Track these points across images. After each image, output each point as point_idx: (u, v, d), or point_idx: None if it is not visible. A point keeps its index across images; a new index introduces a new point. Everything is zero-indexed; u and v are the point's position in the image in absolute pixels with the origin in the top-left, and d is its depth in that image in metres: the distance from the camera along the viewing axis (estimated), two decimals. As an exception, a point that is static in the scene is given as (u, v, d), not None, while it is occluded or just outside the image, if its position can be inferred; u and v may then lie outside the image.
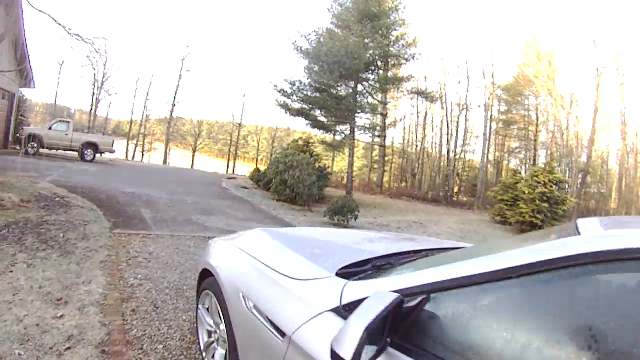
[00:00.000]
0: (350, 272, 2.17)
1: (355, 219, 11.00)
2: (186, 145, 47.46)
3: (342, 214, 10.78)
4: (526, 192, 17.29)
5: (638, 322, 1.22)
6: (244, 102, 55.69)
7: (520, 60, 35.17)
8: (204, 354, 2.96)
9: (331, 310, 1.80)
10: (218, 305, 2.69)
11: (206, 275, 3.03)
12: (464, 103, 35.63)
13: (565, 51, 42.20)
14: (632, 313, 1.24)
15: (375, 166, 36.71)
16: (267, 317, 2.08)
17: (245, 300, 2.31)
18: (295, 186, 13.63)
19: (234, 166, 43.22)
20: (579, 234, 1.55)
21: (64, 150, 19.22)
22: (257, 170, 21.01)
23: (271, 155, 41.49)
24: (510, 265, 1.44)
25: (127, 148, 41.26)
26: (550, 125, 35.50)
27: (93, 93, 38.56)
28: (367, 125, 23.93)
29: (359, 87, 20.26)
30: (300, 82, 19.43)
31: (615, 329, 1.23)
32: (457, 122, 35.72)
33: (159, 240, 6.37)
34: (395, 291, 1.55)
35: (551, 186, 17.34)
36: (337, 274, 2.10)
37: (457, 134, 35.59)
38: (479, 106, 35.49)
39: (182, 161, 42.89)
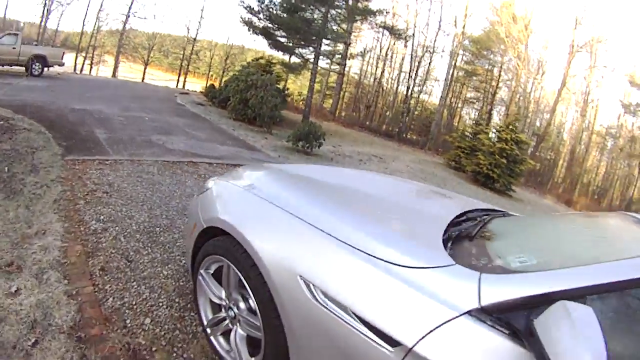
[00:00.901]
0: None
1: (319, 146, 10.74)
2: (136, 59, 45.47)
3: (308, 140, 10.43)
4: (487, 144, 17.93)
5: None
6: (201, 17, 53.47)
7: (494, 18, 35.92)
8: (209, 330, 2.49)
9: (466, 313, 1.42)
10: (244, 280, 2.13)
11: (209, 233, 2.48)
12: (430, 46, 35.95)
13: (542, 20, 43.69)
14: None
15: (329, 93, 36.83)
16: (361, 318, 1.59)
17: (311, 289, 1.77)
18: (257, 107, 13.11)
19: (184, 82, 41.72)
20: None
21: (11, 65, 17.82)
22: (212, 86, 20.60)
23: (223, 72, 41.18)
24: None
25: (75, 61, 38.85)
26: (514, 86, 36.88)
27: (45, 3, 35.37)
28: (331, 52, 23.57)
29: (331, 13, 19.67)
30: (271, 1, 18.86)
31: None
32: (419, 63, 36.06)
33: (117, 167, 5.67)
34: (552, 293, 1.37)
35: (512, 145, 17.82)
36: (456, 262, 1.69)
37: (416, 74, 36.08)
38: (442, 51, 36.21)
39: (131, 74, 41.10)
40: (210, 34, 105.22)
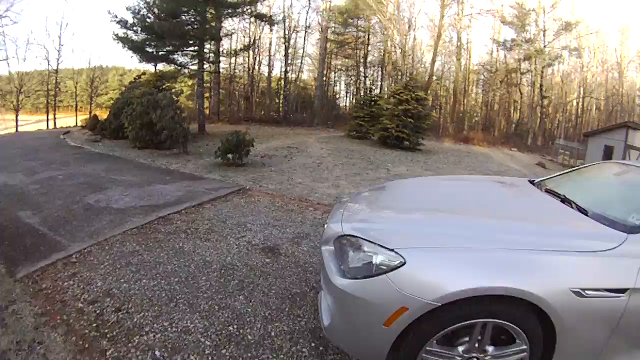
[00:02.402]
0: None
1: (247, 154, 10.38)
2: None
3: (238, 151, 10.06)
4: (390, 108, 18.82)
5: None
6: (60, 44, 49.92)
7: None
8: None
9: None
10: (512, 324, 2.42)
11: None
12: (301, 25, 37.21)
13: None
14: None
15: (207, 95, 36.75)
16: (599, 289, 2.36)
17: (577, 293, 2.35)
18: (169, 128, 12.18)
19: (54, 120, 38.84)
20: None
21: None
22: (95, 118, 19.73)
23: (91, 99, 39.50)
24: None
25: None
26: (390, 45, 38.74)
27: None
28: (212, 52, 23.34)
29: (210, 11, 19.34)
30: (148, 10, 18.25)
31: None
32: (287, 43, 36.97)
33: (90, 261, 4.26)
34: None
35: (414, 103, 18.88)
36: None
37: (287, 55, 36.92)
38: (308, 27, 37.48)
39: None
40: (71, 61, 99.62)
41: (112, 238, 4.81)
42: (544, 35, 48.48)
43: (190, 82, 30.02)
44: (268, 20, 26.67)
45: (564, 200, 3.46)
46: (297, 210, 6.25)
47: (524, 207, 3.58)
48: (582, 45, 52.75)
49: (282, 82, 37.19)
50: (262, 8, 29.68)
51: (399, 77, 38.16)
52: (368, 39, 41.06)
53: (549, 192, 3.88)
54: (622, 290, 2.38)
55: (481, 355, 2.44)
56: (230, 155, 10.05)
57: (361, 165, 12.36)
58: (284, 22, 34.94)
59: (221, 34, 23.35)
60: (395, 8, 37.12)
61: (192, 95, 37.79)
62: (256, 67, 39.60)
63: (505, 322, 2.36)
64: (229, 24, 32.96)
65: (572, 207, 3.25)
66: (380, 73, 45.42)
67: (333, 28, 38.45)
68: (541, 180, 4.58)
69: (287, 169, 9.80)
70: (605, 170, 4.81)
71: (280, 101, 37.26)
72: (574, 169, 5.26)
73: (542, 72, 49.14)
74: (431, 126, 21.41)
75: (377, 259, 2.44)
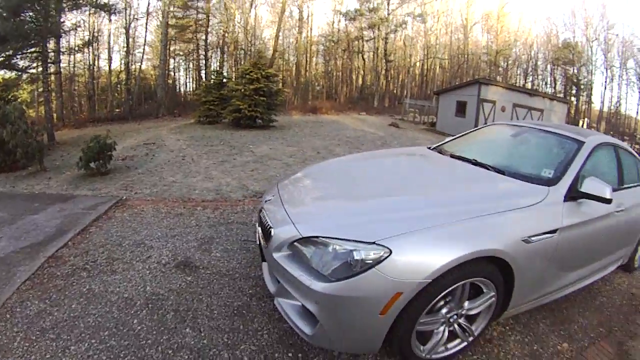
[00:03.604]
0: None
1: (110, 160, 9.47)
2: None
3: (101, 158, 9.19)
4: (241, 89, 18.89)
5: None
6: None
7: None
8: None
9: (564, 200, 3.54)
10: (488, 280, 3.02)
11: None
12: (143, 12, 36.98)
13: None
14: None
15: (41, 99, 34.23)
16: (542, 232, 3.19)
17: (525, 240, 3.06)
18: (21, 145, 10.19)
19: None
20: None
21: None
22: None
23: None
24: None
25: None
26: (232, 26, 38.60)
27: None
28: (53, 52, 21.59)
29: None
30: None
31: None
32: (128, 33, 36.32)
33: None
34: None
35: (265, 81, 19.21)
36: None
37: (128, 46, 36.29)
38: (149, 13, 36.58)
39: None
40: None
41: (8, 302, 3.76)
42: (388, 4, 51.21)
43: (29, 88, 27.85)
44: (109, 9, 25.19)
45: (476, 163, 4.20)
46: (187, 214, 6.14)
47: (453, 176, 4.10)
48: (427, 11, 56.66)
49: (124, 75, 35.85)
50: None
51: (243, 56, 38.31)
52: (208, 20, 40.51)
53: (454, 157, 4.55)
54: (554, 231, 3.30)
55: (460, 311, 3.04)
56: (93, 164, 9.21)
57: (224, 151, 12.43)
58: (125, 10, 33.68)
59: (63, 30, 21.85)
60: None
61: (32, 102, 35.13)
62: (95, 62, 37.60)
63: (479, 279, 2.94)
64: (69, 18, 31.08)
65: (488, 170, 4.00)
66: (220, 55, 45.17)
67: (173, 12, 37.47)
68: (439, 146, 5.29)
69: (154, 169, 9.50)
70: (498, 132, 5.62)
71: (123, 96, 35.64)
72: (464, 133, 5.86)
73: (387, 38, 51.86)
74: (282, 102, 21.86)
75: (359, 255, 2.56)
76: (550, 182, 3.64)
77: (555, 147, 4.48)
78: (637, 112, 61.19)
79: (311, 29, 53.17)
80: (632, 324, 4.61)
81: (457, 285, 2.80)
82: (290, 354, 3.10)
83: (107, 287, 3.86)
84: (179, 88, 48.79)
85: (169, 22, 36.13)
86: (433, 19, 60.54)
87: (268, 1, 45.46)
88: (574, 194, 3.60)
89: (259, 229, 3.57)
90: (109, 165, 9.40)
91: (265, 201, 3.69)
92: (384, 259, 2.52)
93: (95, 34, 34.62)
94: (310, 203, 3.60)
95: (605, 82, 62.67)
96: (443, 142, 5.60)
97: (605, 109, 63.45)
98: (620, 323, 4.57)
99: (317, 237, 2.77)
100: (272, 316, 3.52)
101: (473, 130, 6.01)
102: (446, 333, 3.02)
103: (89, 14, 32.02)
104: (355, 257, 2.55)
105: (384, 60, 53.91)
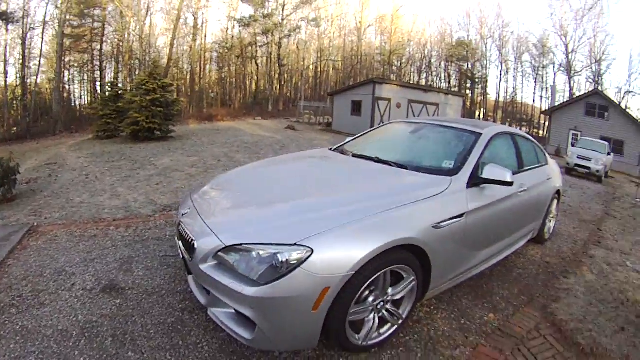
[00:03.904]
0: None
1: (15, 184, 8.86)
2: None
3: (7, 183, 8.60)
4: (138, 101, 18.63)
5: None
6: None
7: None
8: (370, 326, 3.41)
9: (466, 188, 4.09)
10: (407, 267, 3.40)
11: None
12: (40, 21, 35.07)
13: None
14: None
15: None
16: (449, 218, 3.70)
17: (436, 226, 3.54)
18: None
19: None
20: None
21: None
22: None
23: None
24: None
25: None
26: (127, 35, 37.79)
27: None
28: None
29: None
30: None
31: None
32: (24, 44, 34.49)
33: None
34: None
35: (161, 91, 19.22)
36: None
37: (25, 58, 34.53)
38: (46, 22, 34.74)
39: None
40: None
41: None
42: (282, 10, 52.08)
43: None
44: (7, 18, 23.88)
45: (378, 161, 4.65)
46: (101, 235, 6.10)
47: (359, 175, 4.45)
48: (321, 16, 58.11)
49: (20, 90, 34.43)
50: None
51: (138, 65, 37.61)
52: (103, 29, 39.45)
53: (356, 156, 4.96)
54: (461, 215, 3.82)
55: (385, 298, 3.40)
56: None
57: (127, 166, 12.28)
58: (23, 19, 31.99)
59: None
60: None
61: None
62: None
63: (398, 266, 3.30)
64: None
65: (391, 166, 4.45)
66: (115, 65, 44.08)
67: (69, 21, 36.46)
68: (340, 147, 5.71)
69: (59, 191, 9.25)
70: (397, 130, 6.16)
71: (20, 113, 34.09)
72: (363, 132, 6.30)
73: (280, 43, 52.56)
74: (179, 111, 21.89)
75: (283, 257, 2.77)
76: (451, 172, 4.13)
77: (454, 141, 4.98)
78: (534, 100, 68.61)
79: (205, 36, 53.27)
80: (552, 288, 5.23)
81: (378, 274, 3.11)
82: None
83: (39, 322, 3.76)
84: (75, 102, 47.26)
85: (65, 32, 34.89)
86: (327, 23, 62.11)
87: (163, 8, 44.97)
88: (476, 181, 4.14)
89: (180, 242, 3.72)
90: (14, 191, 8.95)
91: (182, 215, 3.79)
92: (307, 258, 2.75)
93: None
94: (227, 212, 3.73)
95: (501, 75, 69.27)
96: (343, 142, 5.96)
97: (502, 99, 69.76)
98: (541, 289, 5.18)
99: (240, 244, 2.94)
100: (208, 327, 3.67)
101: (371, 130, 6.42)
102: (376, 320, 3.37)
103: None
104: (280, 260, 2.76)
105: (278, 65, 54.67)
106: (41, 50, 37.04)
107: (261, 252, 2.85)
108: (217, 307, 3.11)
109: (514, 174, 4.26)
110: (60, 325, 3.71)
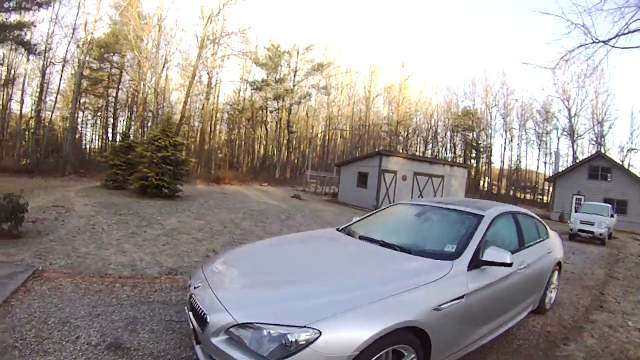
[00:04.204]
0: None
1: (22, 221, 8.85)
2: None
3: (14, 219, 8.57)
4: (148, 156, 18.74)
5: None
6: None
7: (117, 17, 36.12)
8: None
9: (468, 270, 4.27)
10: (409, 346, 3.51)
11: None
12: (61, 58, 35.06)
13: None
14: None
15: None
16: (452, 299, 3.87)
17: (437, 309, 3.69)
18: None
19: None
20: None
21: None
22: None
23: None
24: None
25: None
26: (142, 86, 38.57)
27: None
28: None
29: None
30: None
31: None
32: (44, 77, 34.65)
33: None
34: None
35: (172, 149, 19.28)
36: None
37: (42, 91, 34.63)
38: (66, 60, 35.18)
39: None
40: None
41: None
42: (294, 75, 53.29)
43: None
44: (30, 48, 24.34)
45: (384, 244, 4.84)
46: (106, 290, 6.05)
47: (366, 259, 4.61)
48: (331, 84, 59.41)
49: (34, 122, 34.20)
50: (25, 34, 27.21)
51: (151, 117, 38.13)
52: (120, 76, 40.33)
53: (363, 238, 5.16)
54: (461, 297, 3.97)
55: None
56: (5, 225, 8.59)
57: (134, 222, 12.25)
58: (45, 52, 32.19)
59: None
60: (154, 46, 37.34)
61: None
62: (7, 104, 35.87)
63: (400, 345, 3.41)
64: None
65: (396, 250, 4.65)
66: (128, 114, 44.75)
67: (88, 63, 36.99)
68: (347, 228, 5.90)
69: (65, 237, 9.18)
70: (402, 212, 6.33)
71: (31, 145, 33.85)
72: (370, 213, 6.50)
73: (290, 109, 53.46)
74: (188, 172, 22.01)
75: (293, 337, 2.94)
76: (453, 256, 4.34)
77: (457, 223, 5.21)
78: (537, 166, 68.91)
79: (218, 96, 54.28)
80: (551, 357, 5.31)
81: (381, 353, 3.21)
82: None
83: None
84: (85, 144, 47.78)
85: (83, 73, 35.38)
86: (337, 91, 63.28)
87: (180, 64, 45.94)
88: (477, 263, 4.33)
89: (190, 313, 3.84)
90: (20, 228, 8.92)
91: (195, 287, 3.91)
92: (315, 339, 2.93)
93: (13, 74, 33.62)
94: (240, 290, 3.86)
95: (505, 143, 69.88)
96: (351, 223, 6.15)
97: (506, 167, 70.20)
98: (540, 358, 5.21)
99: (252, 323, 3.10)
100: None
101: (379, 210, 6.67)
102: None
103: (10, 49, 31.06)
104: (290, 340, 2.93)
105: (287, 131, 55.49)
106: (59, 87, 37.24)
107: (272, 332, 3.03)
108: None
109: (514, 252, 4.72)
110: (62, 378, 3.58)
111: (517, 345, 5.65)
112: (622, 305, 8.40)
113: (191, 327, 3.85)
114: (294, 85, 54.27)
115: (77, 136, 40.47)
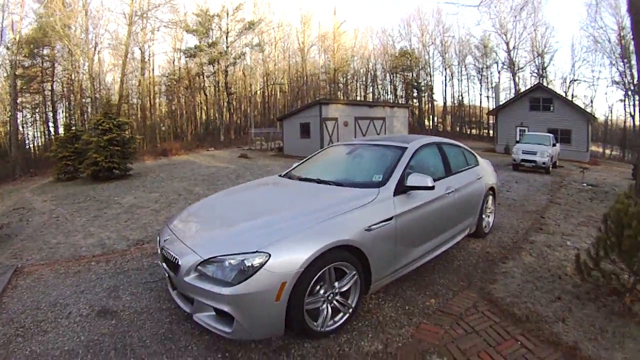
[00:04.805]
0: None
1: None
2: None
3: None
4: (95, 141, 18.90)
5: None
6: None
7: (42, 10, 35.21)
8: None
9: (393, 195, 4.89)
10: (350, 264, 4.17)
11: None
12: None
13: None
14: None
15: None
16: (381, 220, 4.49)
17: (367, 229, 4.30)
18: None
19: None
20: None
21: None
22: None
23: None
24: None
25: None
26: (76, 75, 37.64)
27: None
28: None
29: None
30: None
31: None
32: None
33: None
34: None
35: (117, 130, 19.45)
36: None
37: None
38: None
39: None
40: None
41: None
42: (227, 37, 52.61)
43: None
44: None
45: (320, 181, 5.53)
46: (84, 270, 6.56)
47: (304, 194, 5.27)
48: (265, 40, 58.77)
49: None
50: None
51: (90, 104, 37.59)
52: (53, 68, 39.27)
53: (302, 179, 5.89)
54: (390, 219, 4.60)
55: (334, 290, 4.15)
56: None
57: (93, 206, 12.67)
58: None
59: None
60: (83, 31, 36.49)
61: None
62: None
63: (340, 262, 4.06)
64: None
65: (330, 185, 5.32)
66: (67, 104, 43.85)
67: (19, 62, 36.07)
68: (288, 173, 6.59)
69: (34, 234, 9.59)
70: (335, 152, 7.07)
71: None
72: (307, 158, 7.13)
73: (227, 71, 52.94)
74: (135, 149, 22.17)
75: (249, 262, 3.57)
76: (380, 184, 4.95)
77: (383, 156, 5.82)
78: (480, 101, 69.69)
79: (153, 70, 53.26)
80: (490, 273, 5.90)
81: (324, 270, 3.88)
82: (219, 356, 3.92)
83: (46, 346, 4.21)
84: (28, 144, 46.62)
85: (17, 73, 34.69)
86: (271, 47, 62.61)
87: (111, 44, 44.90)
88: (402, 189, 4.96)
89: (164, 264, 4.41)
90: None
91: (164, 241, 4.52)
92: (266, 261, 3.56)
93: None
94: (201, 234, 4.46)
95: (446, 80, 70.68)
96: (291, 168, 6.82)
97: (449, 104, 70.88)
98: (479, 275, 5.86)
99: (215, 257, 3.73)
100: (194, 333, 4.31)
101: (315, 154, 7.28)
102: (329, 309, 4.11)
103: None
104: (246, 264, 3.57)
105: (226, 93, 55.03)
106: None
107: (232, 261, 3.65)
108: (201, 312, 3.87)
109: (440, 178, 5.55)
110: (66, 347, 4.21)
111: (457, 265, 6.32)
112: (562, 227, 8.91)
113: (166, 275, 4.53)
114: (227, 47, 53.63)
115: (19, 137, 39.50)
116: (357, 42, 74.45)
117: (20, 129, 42.58)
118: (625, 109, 57.20)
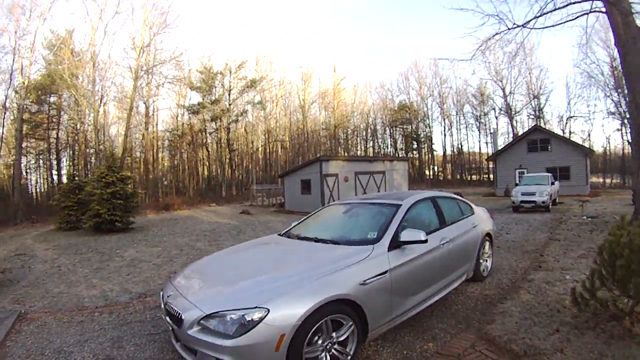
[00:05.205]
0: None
1: None
2: None
3: None
4: (98, 193, 19.02)
5: None
6: None
7: (51, 57, 36.18)
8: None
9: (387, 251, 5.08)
10: (347, 316, 4.31)
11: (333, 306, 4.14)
12: None
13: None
14: None
15: None
16: (376, 274, 4.66)
17: (364, 283, 4.48)
18: None
19: None
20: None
21: None
22: None
23: None
24: None
25: None
26: (81, 124, 38.15)
27: None
28: None
29: None
30: None
31: None
32: None
33: None
34: None
35: (120, 184, 19.68)
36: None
37: None
38: (6, 107, 34.63)
39: None
40: None
41: None
42: (229, 95, 53.53)
43: None
44: None
45: (317, 240, 5.79)
46: (87, 320, 6.62)
47: (302, 253, 5.49)
48: (266, 97, 59.71)
49: None
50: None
51: (94, 154, 37.94)
52: (59, 117, 39.81)
53: (300, 238, 6.11)
54: (384, 272, 4.79)
55: (331, 339, 4.24)
56: None
57: (95, 258, 12.71)
58: None
59: None
60: (90, 82, 37.19)
61: None
62: None
63: (336, 314, 4.21)
64: None
65: (327, 243, 5.57)
66: (71, 153, 44.26)
67: (27, 107, 36.30)
68: (287, 232, 6.80)
69: (36, 282, 9.66)
70: (332, 211, 7.28)
71: None
72: (306, 217, 7.34)
73: (229, 128, 53.63)
74: (138, 203, 22.30)
75: (249, 317, 3.75)
76: (374, 241, 5.17)
77: (378, 214, 6.12)
78: (480, 148, 70.15)
79: (156, 124, 53.60)
80: (488, 314, 5.94)
81: (321, 322, 4.03)
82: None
83: None
84: (31, 189, 46.78)
85: (23, 118, 34.89)
86: (272, 104, 63.53)
87: (116, 97, 45.57)
88: (396, 244, 5.18)
89: (167, 318, 4.54)
90: None
91: (168, 296, 4.66)
92: (266, 315, 3.74)
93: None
94: (204, 291, 4.61)
95: (444, 130, 71.00)
96: (290, 227, 7.05)
97: (449, 153, 70.97)
98: (477, 317, 5.91)
99: (217, 312, 3.91)
100: None
101: (313, 213, 7.54)
102: (328, 357, 4.20)
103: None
104: (247, 319, 3.74)
105: (228, 149, 55.59)
106: (1, 135, 36.09)
107: (233, 316, 3.83)
108: None
109: (434, 231, 5.82)
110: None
111: (456, 310, 6.37)
112: (561, 262, 9.01)
113: (170, 328, 4.63)
114: (229, 104, 54.66)
115: (22, 182, 39.67)
116: (356, 98, 75.79)
117: (24, 173, 42.92)
118: (622, 137, 57.62)
